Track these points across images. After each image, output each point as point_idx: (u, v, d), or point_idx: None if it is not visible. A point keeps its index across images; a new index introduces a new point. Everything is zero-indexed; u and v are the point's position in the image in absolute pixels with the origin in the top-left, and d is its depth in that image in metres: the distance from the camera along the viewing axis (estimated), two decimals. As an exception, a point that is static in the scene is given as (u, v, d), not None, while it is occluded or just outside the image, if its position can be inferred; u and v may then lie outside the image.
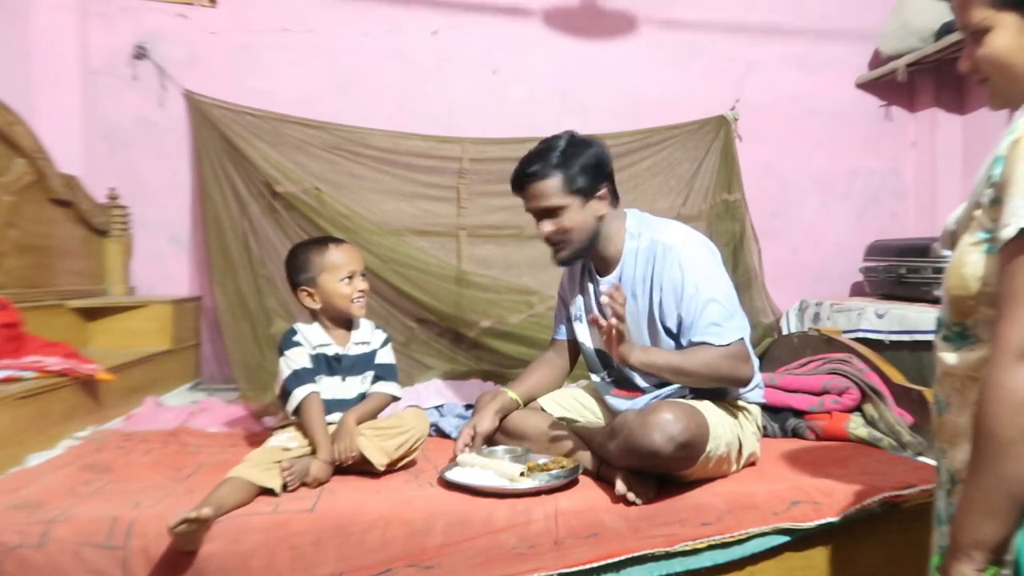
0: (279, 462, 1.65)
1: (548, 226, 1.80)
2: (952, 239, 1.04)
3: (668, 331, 1.79)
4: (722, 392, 1.81)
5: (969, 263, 0.96)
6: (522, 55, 3.36)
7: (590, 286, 1.96)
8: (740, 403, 1.83)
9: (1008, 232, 0.87)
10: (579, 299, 2.01)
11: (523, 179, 1.80)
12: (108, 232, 3.02)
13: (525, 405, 1.99)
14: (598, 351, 1.97)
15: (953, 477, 1.00)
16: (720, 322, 1.71)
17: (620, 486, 1.58)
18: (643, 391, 1.86)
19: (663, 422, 1.52)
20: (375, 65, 3.25)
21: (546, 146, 1.81)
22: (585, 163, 1.78)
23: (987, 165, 0.96)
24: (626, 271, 1.85)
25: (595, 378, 2.03)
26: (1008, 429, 0.85)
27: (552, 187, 1.77)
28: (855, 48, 3.58)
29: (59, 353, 2.10)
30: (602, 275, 1.91)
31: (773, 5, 3.52)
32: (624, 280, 1.83)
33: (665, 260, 1.76)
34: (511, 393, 1.97)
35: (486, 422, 1.88)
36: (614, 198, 1.87)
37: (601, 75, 3.39)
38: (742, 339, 1.73)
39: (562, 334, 2.10)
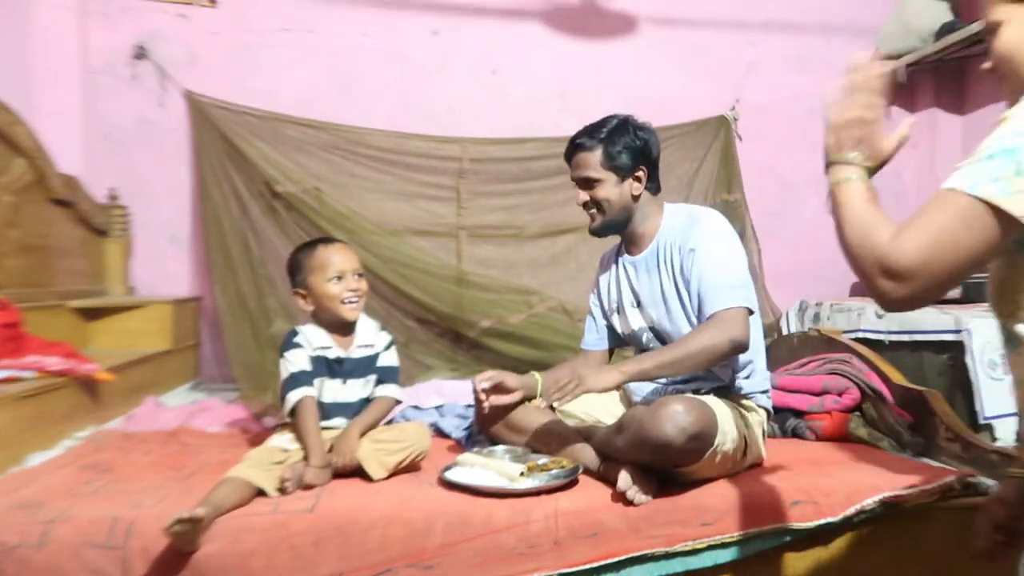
0: (280, 463, 1.65)
1: (583, 196, 1.89)
2: None
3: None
4: (732, 391, 1.83)
5: None
6: (522, 55, 3.36)
7: (620, 266, 2.01)
8: (748, 403, 1.84)
9: (945, 184, 0.87)
10: (612, 288, 2.03)
11: (570, 148, 1.91)
12: (108, 232, 3.03)
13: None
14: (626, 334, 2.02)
15: None
16: (728, 286, 1.74)
17: (622, 481, 1.58)
18: None
19: (674, 413, 1.53)
20: (375, 65, 3.25)
21: (599, 122, 1.89)
22: (628, 144, 1.86)
23: None
24: (660, 246, 1.90)
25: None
26: None
27: (592, 160, 1.86)
28: (855, 48, 3.53)
29: (59, 353, 2.10)
30: (633, 254, 1.97)
31: (773, 5, 3.52)
32: (658, 255, 1.89)
33: (694, 227, 1.83)
34: (537, 375, 1.94)
35: (513, 379, 1.86)
36: (653, 184, 1.93)
37: (601, 75, 3.39)
38: (746, 309, 1.74)
39: (591, 344, 2.10)
